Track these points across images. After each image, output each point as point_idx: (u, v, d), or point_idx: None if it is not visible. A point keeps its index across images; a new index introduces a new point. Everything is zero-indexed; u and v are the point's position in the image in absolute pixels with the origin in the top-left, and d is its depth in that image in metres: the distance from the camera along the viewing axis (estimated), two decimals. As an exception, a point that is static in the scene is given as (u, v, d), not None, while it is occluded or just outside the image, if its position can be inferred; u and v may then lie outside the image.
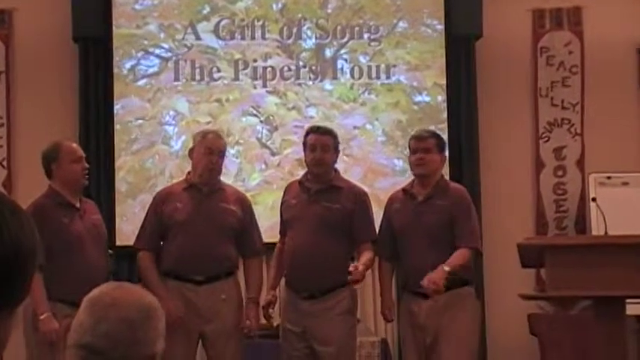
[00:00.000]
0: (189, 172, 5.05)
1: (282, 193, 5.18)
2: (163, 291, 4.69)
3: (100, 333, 1.86)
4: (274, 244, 5.21)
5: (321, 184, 4.92)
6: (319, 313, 4.81)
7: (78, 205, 4.85)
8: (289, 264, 4.92)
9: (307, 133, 5.00)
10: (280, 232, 5.11)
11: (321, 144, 4.89)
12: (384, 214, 5.06)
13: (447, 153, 5.08)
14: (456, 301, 4.80)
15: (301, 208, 4.92)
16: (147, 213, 5.06)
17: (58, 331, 4.57)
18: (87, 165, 4.89)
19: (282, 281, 5.08)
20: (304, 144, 4.98)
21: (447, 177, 6.58)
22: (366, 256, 4.83)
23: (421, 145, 4.91)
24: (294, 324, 4.87)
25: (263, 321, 5.14)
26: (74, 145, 5.00)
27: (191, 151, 5.02)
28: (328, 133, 4.97)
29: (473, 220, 4.92)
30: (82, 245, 4.72)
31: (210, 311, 4.81)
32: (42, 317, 4.58)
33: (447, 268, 4.63)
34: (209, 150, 4.89)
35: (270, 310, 4.96)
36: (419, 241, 4.82)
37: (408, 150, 5.15)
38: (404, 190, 5.02)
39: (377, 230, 5.02)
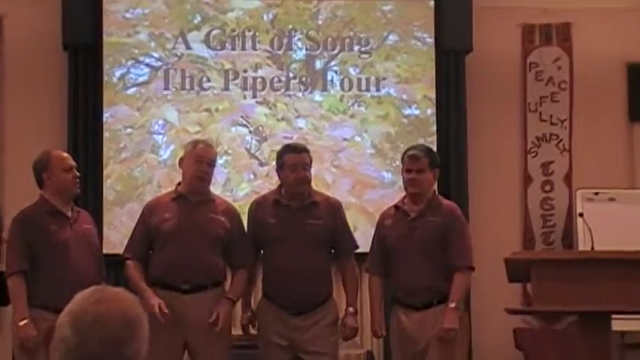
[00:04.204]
0: (179, 183, 5.03)
1: (249, 211, 5.06)
2: (149, 293, 4.71)
3: (84, 355, 1.79)
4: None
5: (300, 201, 4.91)
6: (309, 326, 4.84)
7: (69, 213, 4.83)
8: (277, 282, 4.89)
9: (283, 153, 4.93)
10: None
11: (302, 162, 4.88)
12: (375, 231, 5.06)
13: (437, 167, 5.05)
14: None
15: (286, 227, 4.88)
16: (136, 223, 5.05)
17: (35, 338, 4.56)
18: (77, 174, 4.87)
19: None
20: (281, 165, 4.90)
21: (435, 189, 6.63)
22: (351, 284, 4.96)
23: (415, 166, 4.89)
24: (281, 338, 4.86)
25: (236, 324, 5.16)
26: (64, 154, 4.97)
27: (181, 160, 5.00)
28: (305, 150, 4.96)
29: (466, 238, 4.89)
30: (67, 253, 4.69)
31: (195, 321, 4.80)
32: (20, 323, 4.57)
33: (452, 305, 4.69)
34: (199, 158, 4.88)
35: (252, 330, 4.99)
36: (412, 256, 4.82)
37: (397, 163, 5.15)
38: (396, 206, 5.00)
39: (356, 240, 5.05)
